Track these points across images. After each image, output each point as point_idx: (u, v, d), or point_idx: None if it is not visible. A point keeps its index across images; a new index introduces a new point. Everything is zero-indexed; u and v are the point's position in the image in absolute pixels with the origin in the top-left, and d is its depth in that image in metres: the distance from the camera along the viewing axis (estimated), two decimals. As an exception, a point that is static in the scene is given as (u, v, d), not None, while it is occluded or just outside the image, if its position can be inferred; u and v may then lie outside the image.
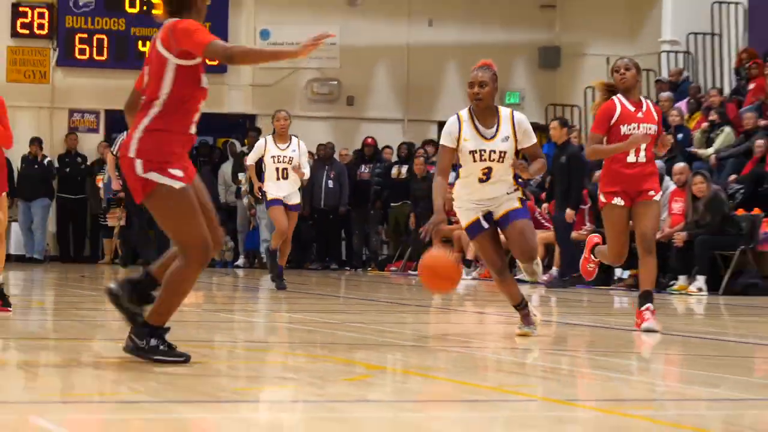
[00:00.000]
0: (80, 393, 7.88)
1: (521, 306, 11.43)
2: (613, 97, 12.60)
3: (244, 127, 31.78)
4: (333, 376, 9.47)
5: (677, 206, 21.54)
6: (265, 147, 17.50)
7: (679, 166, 22.32)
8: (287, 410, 7.62)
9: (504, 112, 10.52)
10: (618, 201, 12.38)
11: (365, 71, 28.69)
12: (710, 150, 23.90)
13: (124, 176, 8.92)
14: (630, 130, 12.28)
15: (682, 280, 21.71)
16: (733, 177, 22.05)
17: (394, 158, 29.51)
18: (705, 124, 24.50)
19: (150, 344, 8.75)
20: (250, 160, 18.07)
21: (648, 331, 12.41)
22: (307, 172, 18.72)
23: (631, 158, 12.46)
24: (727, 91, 26.79)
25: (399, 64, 31.73)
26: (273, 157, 17.55)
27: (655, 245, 13.01)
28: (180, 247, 8.69)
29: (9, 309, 11.91)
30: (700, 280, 20.89)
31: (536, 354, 11.00)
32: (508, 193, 11.38)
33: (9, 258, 27.27)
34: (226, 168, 30.74)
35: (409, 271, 26.97)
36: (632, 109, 12.41)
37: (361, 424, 6.94)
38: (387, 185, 29.55)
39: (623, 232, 12.59)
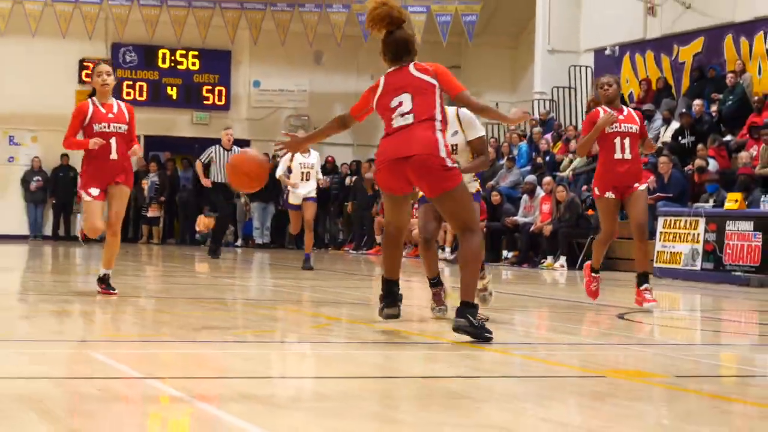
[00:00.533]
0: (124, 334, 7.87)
1: (435, 282, 9.88)
2: (598, 108, 11.72)
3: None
4: (304, 324, 9.69)
5: (546, 207, 21.43)
6: (292, 157, 16.82)
7: (546, 179, 22.17)
8: (274, 348, 7.78)
9: (450, 111, 9.25)
10: (609, 195, 11.37)
11: (327, 109, 28.51)
12: (568, 169, 23.54)
13: (430, 172, 7.82)
14: (613, 129, 11.31)
15: (549, 259, 21.78)
16: (584, 187, 22.12)
17: (347, 171, 29.37)
18: (565, 151, 24.59)
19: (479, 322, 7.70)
20: (280, 171, 17.37)
21: (650, 309, 11.30)
22: (323, 178, 19.11)
23: (617, 155, 11.46)
24: (579, 127, 27.00)
25: (350, 103, 31.58)
26: (300, 163, 16.98)
27: (647, 230, 11.87)
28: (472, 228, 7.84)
29: (114, 292, 10.26)
30: (562, 260, 21.07)
31: (450, 312, 9.97)
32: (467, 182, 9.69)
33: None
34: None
35: (361, 252, 26.76)
36: (614, 113, 11.33)
37: (325, 358, 7.21)
38: (342, 190, 29.09)
39: (613, 217, 11.53)
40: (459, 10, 29.46)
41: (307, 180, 17.10)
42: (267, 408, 4.92)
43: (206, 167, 19.90)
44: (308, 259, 17.53)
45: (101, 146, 9.85)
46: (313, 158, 17.31)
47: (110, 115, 9.88)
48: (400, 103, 7.88)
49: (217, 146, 20.15)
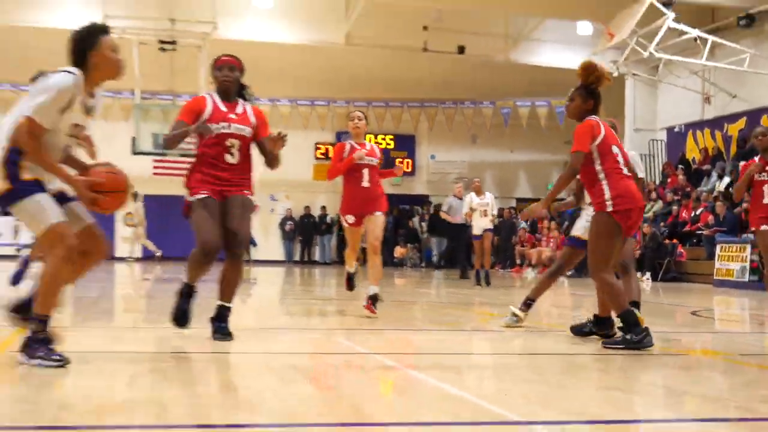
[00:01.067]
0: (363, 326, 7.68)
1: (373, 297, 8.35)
2: (753, 158, 9.69)
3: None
4: (474, 319, 9.33)
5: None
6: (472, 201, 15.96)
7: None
8: (455, 335, 7.45)
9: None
10: (765, 227, 9.33)
11: (479, 172, 28.58)
12: (650, 211, 22.52)
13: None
14: (761, 177, 9.37)
15: (638, 274, 20.88)
16: (662, 224, 21.99)
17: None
18: (647, 199, 24.28)
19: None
20: (465, 209, 16.31)
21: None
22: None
23: (765, 200, 9.40)
24: (658, 182, 26.55)
25: (497, 171, 32.16)
26: (478, 203, 15.93)
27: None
28: None
29: (375, 313, 8.27)
30: (648, 275, 20.19)
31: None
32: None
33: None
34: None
35: (506, 270, 26.29)
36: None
37: (488, 339, 7.03)
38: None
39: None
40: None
41: (485, 216, 15.89)
42: (454, 373, 5.02)
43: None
44: (487, 275, 15.94)
45: (355, 177, 8.38)
46: (488, 198, 16.01)
47: (364, 151, 8.40)
48: (617, 153, 6.47)
49: (451, 197, 18.77)
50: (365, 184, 8.35)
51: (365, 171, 8.39)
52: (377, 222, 8.32)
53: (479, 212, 15.78)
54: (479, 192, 16.05)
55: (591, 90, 6.58)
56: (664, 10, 20.67)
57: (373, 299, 8.29)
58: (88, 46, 4.89)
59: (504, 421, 3.63)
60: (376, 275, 8.36)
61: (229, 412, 3.68)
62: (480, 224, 15.83)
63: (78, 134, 5.00)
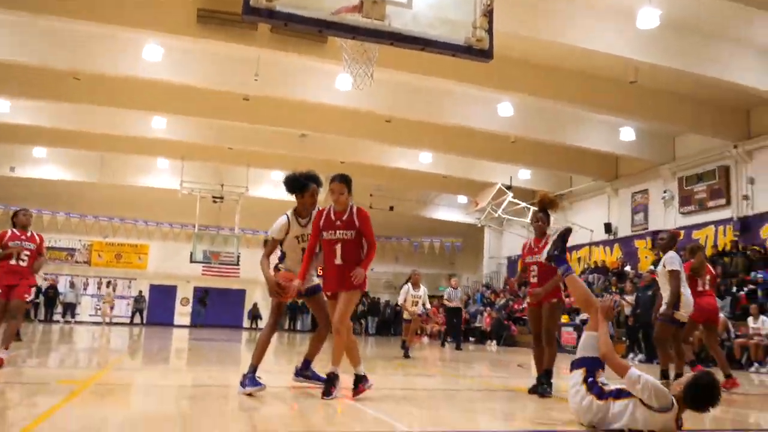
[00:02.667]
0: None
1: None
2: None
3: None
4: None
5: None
6: (408, 291, 11.74)
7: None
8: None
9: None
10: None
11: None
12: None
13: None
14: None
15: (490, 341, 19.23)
16: (503, 311, 20.75)
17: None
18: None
19: None
20: (400, 300, 11.78)
21: None
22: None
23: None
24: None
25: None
26: (412, 295, 11.65)
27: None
28: None
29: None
30: (494, 342, 18.77)
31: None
32: None
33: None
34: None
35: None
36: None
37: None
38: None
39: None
40: (452, 241, 28.80)
41: (416, 305, 11.40)
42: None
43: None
44: (407, 349, 11.14)
45: (328, 253, 5.03)
46: (422, 292, 11.62)
47: (338, 222, 5.02)
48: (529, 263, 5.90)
49: (449, 288, 15.29)
50: (338, 261, 5.00)
51: (338, 246, 5.05)
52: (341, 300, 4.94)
53: (411, 302, 11.64)
54: (416, 285, 11.82)
55: (547, 212, 5.87)
56: (506, 191, 21.28)
57: (356, 382, 5.02)
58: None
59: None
60: (335, 356, 4.95)
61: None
62: (413, 310, 11.65)
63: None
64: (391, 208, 26.32)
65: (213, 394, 4.82)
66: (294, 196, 5.29)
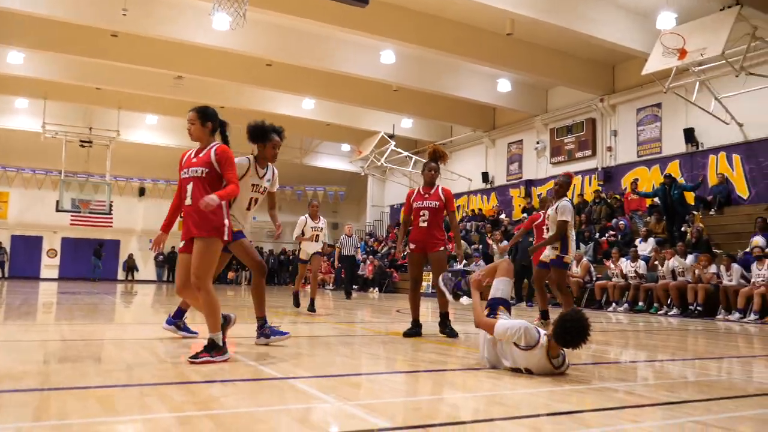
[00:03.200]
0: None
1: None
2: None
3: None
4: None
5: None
6: (306, 223, 9.27)
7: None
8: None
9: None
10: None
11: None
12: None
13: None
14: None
15: (373, 288, 19.97)
16: (385, 260, 21.63)
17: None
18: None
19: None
20: (296, 233, 9.21)
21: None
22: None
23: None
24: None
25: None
26: (311, 227, 9.20)
27: None
28: None
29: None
30: (377, 289, 19.66)
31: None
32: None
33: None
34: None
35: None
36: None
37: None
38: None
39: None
40: (335, 189, 28.71)
41: (316, 241, 9.31)
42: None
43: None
44: (313, 302, 9.32)
45: (181, 194, 4.24)
46: (322, 223, 9.46)
47: (194, 159, 4.22)
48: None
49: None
50: (187, 201, 4.15)
51: (189, 186, 4.21)
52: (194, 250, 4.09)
53: (312, 235, 9.49)
54: (315, 217, 9.55)
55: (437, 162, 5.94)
56: (389, 140, 21.48)
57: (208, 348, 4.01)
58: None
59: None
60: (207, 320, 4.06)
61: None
62: (310, 248, 9.46)
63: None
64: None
65: (79, 349, 4.54)
66: (256, 144, 4.90)
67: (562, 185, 6.79)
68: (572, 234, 6.63)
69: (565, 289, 6.65)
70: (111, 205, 23.70)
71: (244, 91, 19.62)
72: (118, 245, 27.63)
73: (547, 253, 6.76)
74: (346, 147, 26.40)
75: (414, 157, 22.61)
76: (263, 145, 4.92)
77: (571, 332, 3.52)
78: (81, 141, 22.79)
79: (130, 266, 27.34)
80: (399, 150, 21.74)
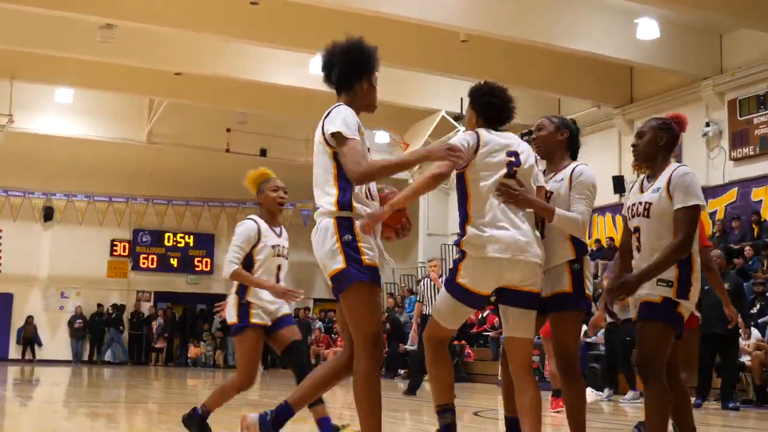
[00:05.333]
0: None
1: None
2: None
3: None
4: None
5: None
6: None
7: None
8: None
9: None
10: None
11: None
12: None
13: None
14: None
15: None
16: None
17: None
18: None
19: None
20: None
21: None
22: None
23: None
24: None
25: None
26: None
27: None
28: None
29: None
30: None
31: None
32: None
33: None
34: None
35: None
36: None
37: None
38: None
39: None
40: None
41: None
42: None
43: None
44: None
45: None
46: None
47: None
48: None
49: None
50: None
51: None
52: None
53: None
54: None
55: None
56: (454, 123, 21.58)
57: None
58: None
59: None
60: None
61: None
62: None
63: None
64: (263, 152, 26.26)
65: None
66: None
67: None
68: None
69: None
70: (-2, 237, 23.71)
71: (215, 47, 19.79)
72: (8, 303, 27.96)
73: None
74: (382, 136, 26.56)
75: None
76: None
77: None
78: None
79: (28, 338, 27.58)
80: (472, 141, 21.81)
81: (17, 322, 28.02)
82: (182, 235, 30.14)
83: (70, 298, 28.94)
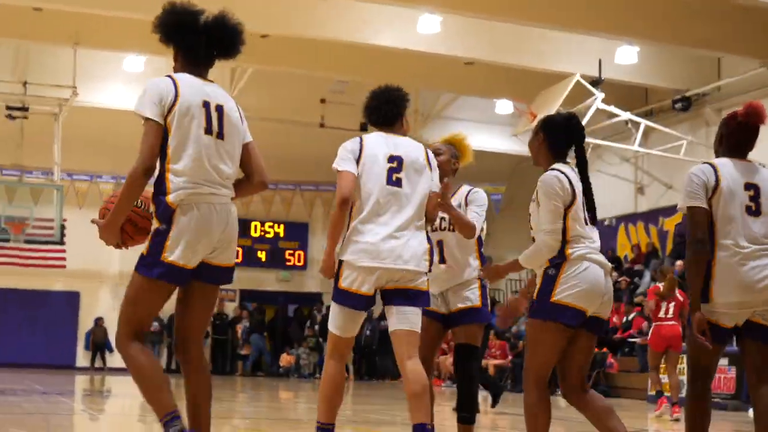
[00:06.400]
0: None
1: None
2: None
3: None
4: None
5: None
6: None
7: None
8: None
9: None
10: None
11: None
12: None
13: None
14: None
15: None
16: None
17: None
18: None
19: None
20: None
21: None
22: None
23: None
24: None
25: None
26: None
27: None
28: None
29: None
30: None
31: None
32: None
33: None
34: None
35: None
36: None
37: None
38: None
39: None
40: (488, 190, 28.75)
41: None
42: None
43: None
44: None
45: None
46: None
47: None
48: None
49: None
50: None
51: None
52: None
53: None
54: None
55: None
56: (592, 89, 21.39)
57: None
58: None
59: None
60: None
61: None
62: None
63: None
64: (363, 127, 25.88)
65: None
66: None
67: None
68: None
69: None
70: (63, 228, 24.27)
71: (308, 4, 20.09)
72: (74, 303, 28.48)
73: None
74: (504, 107, 26.52)
75: (643, 123, 22.40)
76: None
77: None
78: (8, 108, 23.41)
79: (98, 342, 27.97)
80: (613, 109, 21.77)
81: (85, 324, 28.57)
82: (271, 224, 30.42)
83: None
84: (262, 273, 30.81)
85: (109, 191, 28.03)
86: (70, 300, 28.53)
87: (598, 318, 5.54)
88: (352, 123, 26.00)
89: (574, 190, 5.46)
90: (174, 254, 5.05)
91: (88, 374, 25.00)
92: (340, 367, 5.88)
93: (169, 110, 5.10)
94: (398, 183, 5.85)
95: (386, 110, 6.05)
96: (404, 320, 5.75)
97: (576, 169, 5.64)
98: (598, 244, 5.67)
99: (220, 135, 5.20)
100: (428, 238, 5.98)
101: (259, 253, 30.63)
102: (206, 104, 5.20)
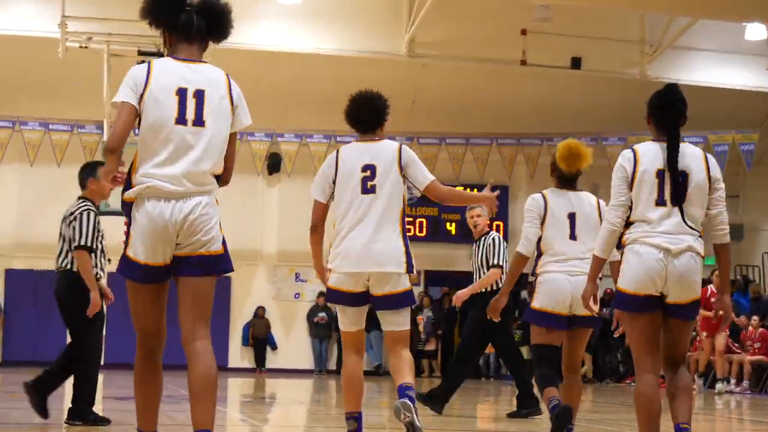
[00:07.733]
0: None
1: None
2: None
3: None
4: None
5: None
6: None
7: None
8: None
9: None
10: None
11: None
12: None
13: None
14: None
15: None
16: None
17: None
18: None
19: None
20: None
21: None
22: None
23: None
24: None
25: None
26: None
27: None
28: None
29: None
30: None
31: None
32: None
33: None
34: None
35: None
36: None
37: None
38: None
39: None
40: (736, 139, 28.65)
41: None
42: None
43: None
44: None
45: None
46: None
47: None
48: None
49: None
50: None
51: None
52: None
53: None
54: None
55: None
56: None
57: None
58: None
59: None
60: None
61: None
62: None
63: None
64: (576, 63, 26.33)
65: None
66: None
67: None
68: None
69: None
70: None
71: None
72: (225, 289, 29.17)
73: None
74: (756, 31, 26.34)
75: None
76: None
77: None
78: (141, 54, 23.89)
79: (259, 338, 28.92)
80: None
81: (239, 316, 29.42)
82: (462, 188, 30.15)
83: (308, 282, 29.72)
84: (452, 250, 30.57)
85: (262, 151, 28.27)
86: (219, 287, 29.02)
87: (676, 303, 6.78)
88: (560, 58, 25.73)
89: None
90: (134, 251, 5.94)
91: (247, 377, 25.30)
92: (356, 359, 7.69)
93: (141, 97, 5.90)
94: (372, 190, 7.67)
95: (368, 119, 7.98)
96: (388, 323, 7.67)
97: None
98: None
99: (199, 122, 5.95)
100: (405, 240, 7.71)
101: (447, 225, 30.63)
102: (182, 91, 5.95)
